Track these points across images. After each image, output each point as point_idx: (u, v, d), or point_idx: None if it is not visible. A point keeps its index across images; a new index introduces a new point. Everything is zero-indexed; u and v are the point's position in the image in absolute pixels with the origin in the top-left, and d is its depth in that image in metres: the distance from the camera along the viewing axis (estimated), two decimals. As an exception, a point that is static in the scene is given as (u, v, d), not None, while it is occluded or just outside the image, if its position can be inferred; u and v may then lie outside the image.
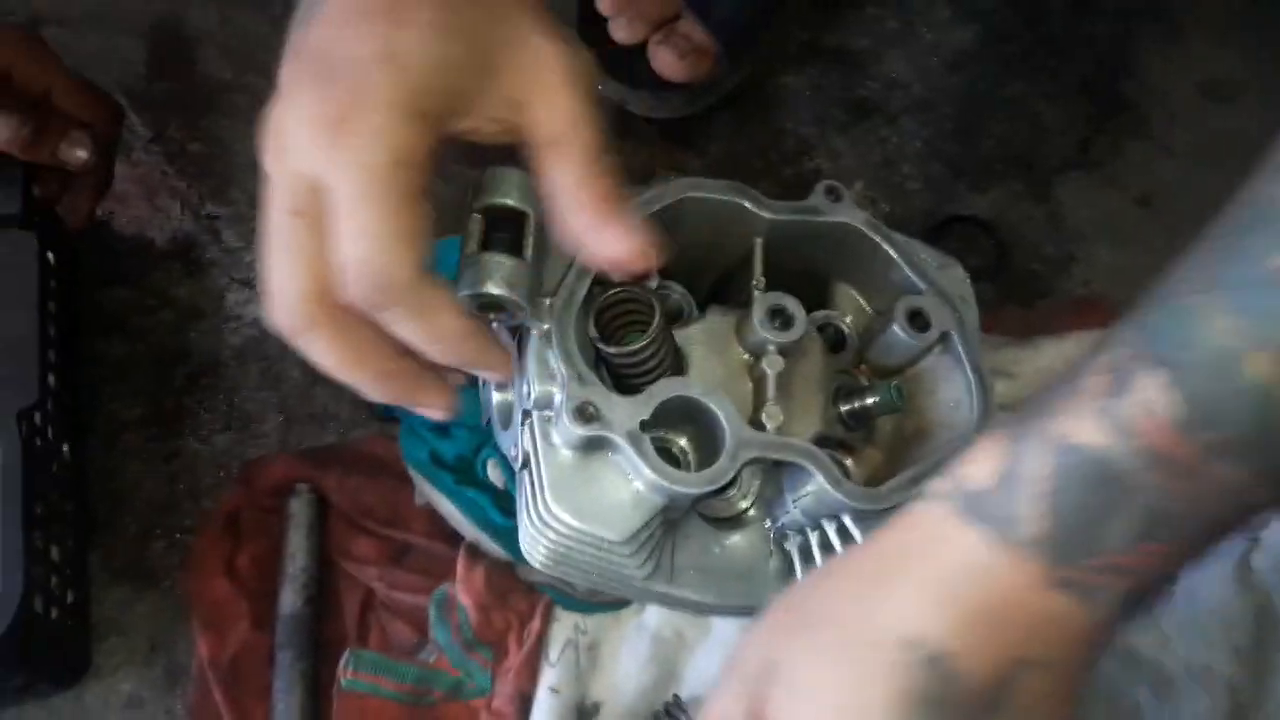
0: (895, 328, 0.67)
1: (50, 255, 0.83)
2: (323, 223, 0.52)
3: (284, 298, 0.53)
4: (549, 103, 0.55)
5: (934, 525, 0.50)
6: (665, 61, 0.94)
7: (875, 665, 0.48)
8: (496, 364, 0.59)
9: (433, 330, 0.54)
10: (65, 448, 0.81)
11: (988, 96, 1.03)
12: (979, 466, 0.49)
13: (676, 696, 0.71)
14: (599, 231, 0.56)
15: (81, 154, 0.82)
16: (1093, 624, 0.48)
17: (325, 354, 0.54)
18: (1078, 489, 0.46)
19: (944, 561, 0.48)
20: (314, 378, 0.90)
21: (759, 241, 0.68)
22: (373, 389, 0.56)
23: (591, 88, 0.57)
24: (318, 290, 0.52)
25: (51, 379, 0.79)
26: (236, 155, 0.99)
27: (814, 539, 0.67)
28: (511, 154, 0.58)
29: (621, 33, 0.95)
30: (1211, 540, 0.48)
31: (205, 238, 0.96)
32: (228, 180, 0.98)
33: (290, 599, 0.76)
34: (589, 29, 0.98)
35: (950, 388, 0.68)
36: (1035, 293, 0.96)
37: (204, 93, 1.02)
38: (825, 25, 1.05)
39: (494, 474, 0.72)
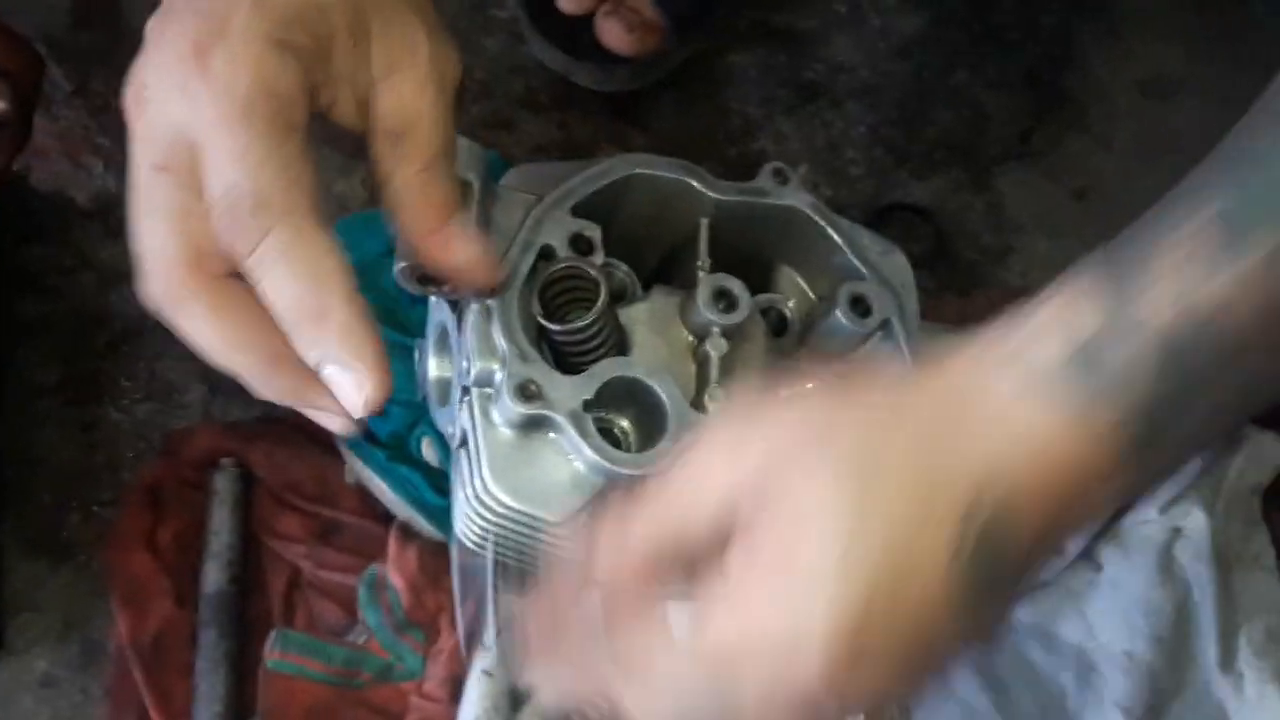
0: (837, 313, 0.67)
1: (-39, 210, 0.80)
2: (194, 176, 0.47)
3: (155, 265, 0.47)
4: (404, 90, 0.52)
5: (992, 394, 0.44)
6: (612, 34, 0.93)
7: (947, 495, 0.43)
8: (368, 359, 0.49)
9: (311, 271, 0.47)
10: (-25, 414, 0.78)
11: (933, 84, 1.04)
12: (1048, 340, 0.44)
13: None
14: (441, 236, 0.53)
15: (-2, 104, 0.79)
16: (1120, 497, 0.46)
17: (204, 330, 0.47)
18: (1152, 376, 0.42)
19: (1033, 424, 0.43)
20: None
21: (704, 222, 0.68)
22: (261, 376, 0.48)
23: (452, 89, 0.54)
24: (192, 254, 0.47)
25: (-39, 341, 0.75)
26: (164, 113, 0.95)
27: (752, 523, 0.67)
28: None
29: (569, 2, 0.94)
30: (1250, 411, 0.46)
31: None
32: (154, 139, 0.95)
33: (214, 576, 0.75)
34: (536, -3, 0.96)
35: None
36: (973, 282, 0.97)
37: (131, 45, 0.96)
38: (774, 5, 1.05)
39: (428, 452, 0.71)
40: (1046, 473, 0.43)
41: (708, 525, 0.44)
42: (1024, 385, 0.44)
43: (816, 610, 0.41)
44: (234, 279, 0.48)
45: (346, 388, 0.49)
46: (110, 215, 0.91)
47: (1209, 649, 0.72)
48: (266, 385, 0.49)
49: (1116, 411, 0.43)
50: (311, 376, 0.49)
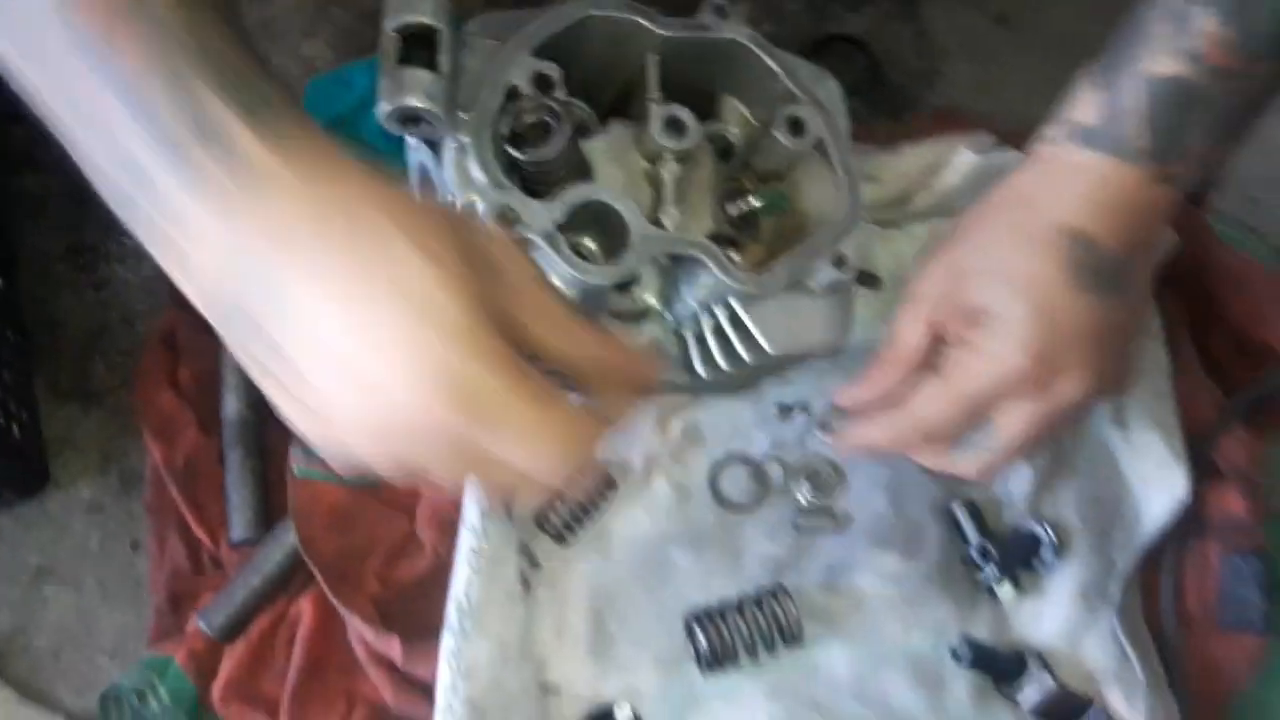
0: (776, 134, 0.73)
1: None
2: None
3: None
4: None
5: (1063, 157, 0.68)
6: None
7: (1045, 245, 0.67)
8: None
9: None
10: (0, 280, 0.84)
11: (862, -84, 1.08)
12: (1085, 110, 0.68)
13: None
14: None
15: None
16: (1175, 203, 0.68)
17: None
18: (1166, 109, 0.65)
19: (1078, 178, 0.67)
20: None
21: (654, 58, 0.73)
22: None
23: None
24: None
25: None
26: None
27: (707, 325, 0.75)
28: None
29: None
30: (1249, 126, 0.68)
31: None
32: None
33: (234, 405, 0.81)
34: None
35: (823, 188, 0.76)
36: (903, 105, 1.03)
37: None
38: None
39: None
40: (1108, 191, 0.67)
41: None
42: (1080, 140, 0.68)
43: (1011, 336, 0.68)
44: None
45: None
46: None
47: (1101, 409, 0.82)
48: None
49: (1138, 142, 0.66)
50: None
